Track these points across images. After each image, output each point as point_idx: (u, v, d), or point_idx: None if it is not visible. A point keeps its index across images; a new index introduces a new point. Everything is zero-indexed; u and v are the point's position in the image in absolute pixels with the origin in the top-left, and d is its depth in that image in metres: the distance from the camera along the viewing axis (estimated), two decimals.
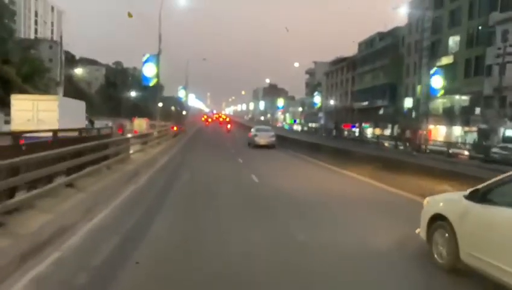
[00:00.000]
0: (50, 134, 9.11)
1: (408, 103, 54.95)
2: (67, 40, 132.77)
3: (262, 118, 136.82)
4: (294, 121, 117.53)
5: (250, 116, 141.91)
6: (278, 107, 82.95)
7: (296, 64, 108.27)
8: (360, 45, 72.95)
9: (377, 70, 64.00)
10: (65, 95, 41.88)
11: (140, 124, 31.86)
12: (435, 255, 5.44)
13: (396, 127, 56.68)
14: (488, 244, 4.62)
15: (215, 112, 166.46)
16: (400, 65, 58.09)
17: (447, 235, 5.24)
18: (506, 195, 4.67)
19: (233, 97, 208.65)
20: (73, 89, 63.23)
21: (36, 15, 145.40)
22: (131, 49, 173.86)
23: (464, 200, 5.12)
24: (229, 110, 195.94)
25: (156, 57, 29.57)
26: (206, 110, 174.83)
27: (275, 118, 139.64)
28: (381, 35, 64.25)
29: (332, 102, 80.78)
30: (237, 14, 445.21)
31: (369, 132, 65.29)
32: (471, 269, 4.84)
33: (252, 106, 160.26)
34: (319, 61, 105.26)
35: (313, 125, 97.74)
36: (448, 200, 5.73)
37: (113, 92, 72.88)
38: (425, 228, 5.71)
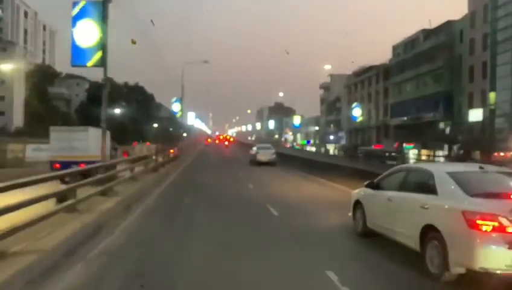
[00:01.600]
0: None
1: (475, 115, 41.84)
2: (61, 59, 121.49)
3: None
4: (307, 141, 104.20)
5: (253, 137, 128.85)
6: (294, 126, 70.11)
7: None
8: (394, 48, 60.45)
9: (422, 77, 51.20)
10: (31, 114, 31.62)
11: (142, 150, 27.48)
12: (355, 226, 8.58)
13: (456, 147, 43.43)
14: (377, 214, 7.67)
15: (217, 133, 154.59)
16: (457, 68, 45.22)
17: (361, 212, 8.27)
18: (386, 183, 7.72)
19: (237, 117, 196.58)
20: (44, 108, 50.88)
21: (26, 33, 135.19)
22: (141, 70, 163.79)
23: (367, 189, 8.23)
24: (232, 132, 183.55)
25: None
26: (208, 131, 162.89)
27: (285, 139, 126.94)
28: (427, 33, 51.64)
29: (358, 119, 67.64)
30: (240, 32, 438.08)
31: (412, 153, 51.96)
32: (373, 232, 7.75)
33: (258, 126, 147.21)
34: (335, 74, 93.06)
35: (329, 147, 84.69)
36: (361, 190, 8.57)
37: (97, 109, 59.79)
38: (351, 210, 8.77)
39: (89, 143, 17.36)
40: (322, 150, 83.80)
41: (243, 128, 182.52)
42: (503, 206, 5.28)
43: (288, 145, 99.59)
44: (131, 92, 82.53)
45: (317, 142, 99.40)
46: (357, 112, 58.72)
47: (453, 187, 5.90)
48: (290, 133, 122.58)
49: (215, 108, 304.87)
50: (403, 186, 7.02)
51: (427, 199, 6.11)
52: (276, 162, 29.86)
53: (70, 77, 74.40)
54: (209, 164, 30.66)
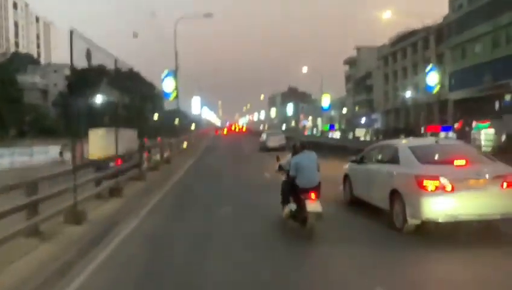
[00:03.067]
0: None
1: None
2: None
3: (284, 126, 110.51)
4: (331, 126, 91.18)
5: (266, 126, 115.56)
6: (322, 109, 57.71)
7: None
8: (452, 1, 47.00)
9: (502, 31, 37.88)
10: None
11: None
12: (344, 196, 10.09)
13: None
14: (360, 184, 9.24)
15: (228, 123, 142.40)
16: None
17: (348, 184, 9.83)
18: (366, 158, 9.28)
19: (248, 105, 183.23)
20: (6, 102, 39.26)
21: (16, 26, 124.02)
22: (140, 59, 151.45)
23: (352, 164, 9.85)
24: (243, 122, 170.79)
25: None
26: (218, 123, 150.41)
27: (303, 126, 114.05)
28: None
29: (408, 94, 54.59)
30: (246, 16, 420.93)
31: (485, 133, 39.05)
32: (358, 199, 9.29)
33: (273, 112, 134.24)
34: (363, 45, 79.78)
35: (359, 132, 71.94)
36: (349, 165, 10.07)
37: (80, 101, 48.33)
38: (341, 182, 10.22)
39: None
40: (350, 136, 71.39)
41: (255, 116, 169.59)
42: (444, 169, 6.90)
43: (305, 133, 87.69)
44: (126, 79, 70.23)
45: (343, 127, 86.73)
46: (432, 79, 42.36)
47: (410, 157, 7.45)
48: (310, 118, 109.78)
49: (224, 96, 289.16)
50: (378, 160, 8.80)
51: (393, 169, 7.75)
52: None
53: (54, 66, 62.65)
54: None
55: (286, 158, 8.21)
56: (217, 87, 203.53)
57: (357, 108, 79.30)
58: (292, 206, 7.54)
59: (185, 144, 33.25)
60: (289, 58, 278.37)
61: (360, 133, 72.15)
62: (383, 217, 7.80)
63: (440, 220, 6.64)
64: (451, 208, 6.56)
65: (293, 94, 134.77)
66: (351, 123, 79.30)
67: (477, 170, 6.86)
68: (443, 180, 6.62)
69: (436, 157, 7.52)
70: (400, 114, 61.33)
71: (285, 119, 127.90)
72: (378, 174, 8.33)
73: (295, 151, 7.75)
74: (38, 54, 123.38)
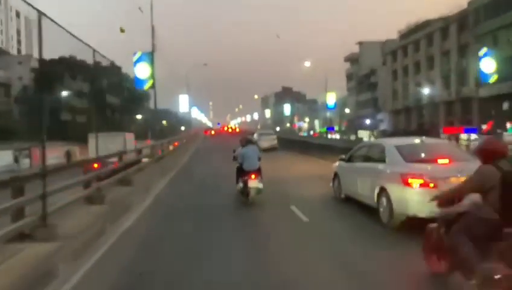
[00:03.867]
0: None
1: None
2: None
3: (277, 128, 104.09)
4: (329, 128, 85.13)
5: (258, 127, 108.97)
6: (328, 107, 51.43)
7: (307, 64, 74.40)
8: None
9: None
10: None
11: None
12: (334, 193, 10.34)
13: None
14: (348, 182, 9.49)
15: (220, 124, 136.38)
16: None
17: (337, 182, 10.11)
18: (355, 157, 9.56)
19: (240, 106, 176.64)
20: None
21: None
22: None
23: (341, 162, 10.10)
24: (234, 123, 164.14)
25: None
26: (209, 124, 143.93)
27: (298, 127, 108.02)
28: None
29: (425, 91, 48.44)
30: (236, 17, 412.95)
31: None
32: (347, 197, 9.64)
33: (268, 113, 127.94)
34: (366, 41, 73.75)
35: (363, 134, 65.82)
36: (338, 163, 10.35)
37: (49, 97, 41.83)
38: (331, 180, 10.52)
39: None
40: (352, 138, 65.19)
41: (248, 118, 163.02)
42: (428, 168, 7.20)
43: (301, 135, 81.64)
44: (106, 75, 63.28)
45: (343, 128, 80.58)
46: (488, 66, 31.79)
47: (396, 156, 7.70)
48: (307, 119, 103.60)
49: (214, 97, 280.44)
50: (366, 158, 9.02)
51: (380, 167, 8.01)
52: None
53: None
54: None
55: (237, 150, 10.76)
56: (208, 88, 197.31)
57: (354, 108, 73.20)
58: (240, 184, 10.08)
59: (170, 147, 28.09)
60: (283, 58, 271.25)
61: (364, 135, 66.02)
62: (370, 213, 8.13)
63: (424, 216, 6.54)
64: (433, 205, 5.83)
65: (287, 94, 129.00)
66: (352, 124, 73.15)
67: (458, 168, 6.97)
68: (427, 178, 6.90)
69: (421, 156, 7.80)
70: (412, 114, 55.20)
71: (280, 120, 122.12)
72: (365, 172, 8.66)
73: (242, 145, 10.65)
74: (19, 51, 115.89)
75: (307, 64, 50.93)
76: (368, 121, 68.35)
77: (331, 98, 50.91)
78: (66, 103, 47.38)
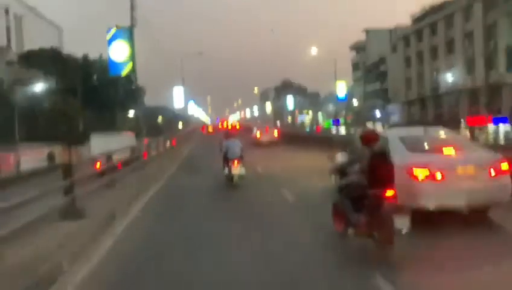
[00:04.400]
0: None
1: None
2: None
3: (278, 122, 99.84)
4: (335, 121, 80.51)
5: (258, 122, 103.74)
6: (338, 99, 46.59)
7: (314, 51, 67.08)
8: None
9: None
10: None
11: None
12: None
13: None
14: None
15: (219, 120, 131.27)
16: None
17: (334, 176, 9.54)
18: (356, 148, 8.02)
19: (239, 101, 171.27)
20: None
21: None
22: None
23: (342, 154, 9.03)
24: (233, 118, 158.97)
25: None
26: (207, 120, 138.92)
27: (301, 122, 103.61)
28: None
29: (445, 78, 43.81)
30: (233, 8, 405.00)
31: None
32: None
33: (268, 107, 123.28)
34: (374, 28, 69.00)
35: (372, 126, 61.27)
36: (338, 155, 9.30)
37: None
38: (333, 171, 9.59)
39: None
40: (359, 132, 60.65)
41: (247, 112, 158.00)
42: (433, 158, 7.02)
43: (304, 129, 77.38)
44: (99, 70, 58.66)
45: (349, 121, 75.99)
46: None
47: (400, 147, 7.34)
48: (310, 112, 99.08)
49: (212, 92, 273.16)
50: None
51: None
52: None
53: None
54: None
55: (223, 142, 12.98)
56: (206, 83, 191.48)
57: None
58: (226, 170, 12.15)
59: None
60: (282, 49, 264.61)
61: (373, 127, 61.48)
62: None
63: (430, 209, 6.59)
64: (441, 196, 6.58)
65: (288, 88, 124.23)
66: (360, 117, 68.55)
67: (465, 158, 6.99)
68: (432, 169, 6.70)
69: (426, 146, 7.63)
70: (428, 104, 50.59)
71: (280, 114, 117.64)
72: None
73: (226, 137, 13.27)
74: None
75: (314, 51, 46.27)
76: (377, 113, 63.89)
77: (341, 88, 46.22)
78: (48, 99, 42.78)
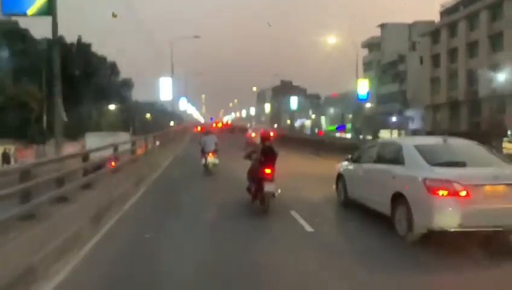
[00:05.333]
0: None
1: None
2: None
3: (275, 125, 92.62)
4: (340, 127, 73.21)
5: (253, 123, 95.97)
6: (359, 98, 39.20)
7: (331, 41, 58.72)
8: None
9: None
10: None
11: None
12: (338, 197, 9.10)
13: None
14: (356, 185, 8.21)
15: (213, 120, 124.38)
16: None
17: (342, 184, 8.83)
18: (364, 156, 8.33)
19: (235, 100, 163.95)
20: None
21: None
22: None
23: (347, 162, 8.94)
24: (228, 119, 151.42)
25: None
26: (201, 119, 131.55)
27: (302, 124, 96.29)
28: None
29: (492, 79, 36.26)
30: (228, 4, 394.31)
31: None
32: (353, 201, 8.36)
33: (267, 108, 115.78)
34: (391, 22, 61.65)
35: (385, 134, 53.90)
36: (343, 163, 9.15)
37: None
38: (334, 181, 9.22)
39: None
40: (369, 139, 53.18)
41: (243, 113, 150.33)
42: (457, 173, 5.97)
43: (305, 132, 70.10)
44: (75, 56, 50.50)
45: (357, 126, 68.49)
46: None
47: (417, 158, 6.51)
48: (313, 116, 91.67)
49: (207, 91, 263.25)
50: (377, 159, 7.67)
51: (396, 170, 6.76)
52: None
53: None
54: None
55: (201, 138, 14.87)
56: (200, 80, 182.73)
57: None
58: (203, 160, 14.11)
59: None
60: (282, 48, 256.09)
61: (387, 135, 53.99)
62: (382, 222, 7.02)
63: (451, 230, 5.74)
64: (465, 216, 5.66)
65: (287, 89, 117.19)
66: (372, 122, 61.05)
67: (494, 174, 6.00)
68: (456, 185, 5.76)
69: (447, 158, 6.61)
70: (461, 110, 43.12)
71: (278, 116, 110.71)
72: (378, 175, 7.47)
73: (204, 134, 15.16)
74: None
75: (331, 41, 38.54)
76: (394, 119, 56.46)
77: (362, 86, 38.77)
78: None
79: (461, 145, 7.26)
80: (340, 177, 9.00)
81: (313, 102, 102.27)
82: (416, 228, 6.02)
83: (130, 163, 12.87)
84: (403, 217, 6.29)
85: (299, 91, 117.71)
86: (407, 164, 6.64)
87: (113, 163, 11.50)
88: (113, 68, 59.80)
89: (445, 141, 6.94)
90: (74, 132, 43.67)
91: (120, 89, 62.23)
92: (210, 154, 13.92)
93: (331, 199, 9.19)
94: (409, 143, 7.14)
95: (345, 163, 9.02)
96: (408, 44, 58.45)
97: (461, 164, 6.29)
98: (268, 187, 8.00)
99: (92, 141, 19.43)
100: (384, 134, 53.77)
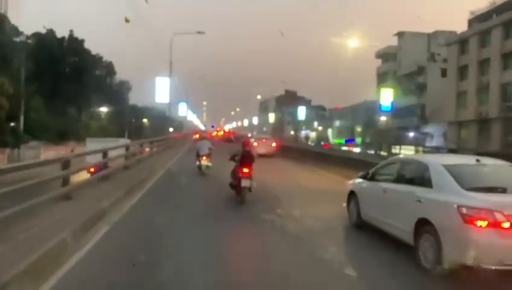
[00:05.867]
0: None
1: None
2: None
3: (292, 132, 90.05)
4: (348, 140, 69.41)
5: (255, 133, 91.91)
6: (381, 109, 34.90)
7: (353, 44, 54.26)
8: None
9: None
10: None
11: None
12: (350, 217, 8.10)
13: None
14: (371, 206, 7.27)
15: (214, 127, 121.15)
16: None
17: (354, 203, 7.87)
18: (381, 174, 7.39)
19: (237, 109, 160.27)
20: None
21: None
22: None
23: (361, 180, 7.93)
24: (229, 127, 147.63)
25: None
26: (202, 126, 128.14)
27: (305, 136, 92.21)
28: None
29: None
30: (236, 14, 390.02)
31: None
32: (367, 223, 7.34)
33: (272, 117, 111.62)
34: (409, 31, 57.58)
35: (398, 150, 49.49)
36: (355, 180, 8.25)
37: None
38: (346, 200, 8.31)
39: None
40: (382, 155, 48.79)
41: (245, 122, 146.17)
42: (498, 201, 5.13)
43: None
44: (66, 51, 46.24)
45: (368, 140, 64.12)
46: None
47: (448, 180, 5.64)
48: (319, 127, 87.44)
49: (208, 98, 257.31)
50: (398, 178, 6.81)
51: (422, 192, 5.88)
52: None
53: None
54: None
55: (197, 143, 17.34)
56: (202, 85, 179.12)
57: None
58: (197, 163, 15.73)
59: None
60: (288, 58, 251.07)
61: (407, 152, 49.54)
62: (402, 251, 6.02)
63: (491, 267, 4.84)
64: (508, 252, 4.82)
65: (291, 99, 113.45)
66: (384, 137, 56.70)
67: None
68: (498, 215, 4.88)
69: (483, 181, 5.68)
70: (492, 128, 38.73)
71: (281, 126, 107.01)
72: (399, 196, 6.48)
73: (199, 140, 17.99)
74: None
75: (353, 43, 34.31)
76: (411, 134, 52.06)
77: (386, 96, 34.52)
78: None
79: (497, 167, 6.35)
80: (352, 195, 8.20)
81: (318, 113, 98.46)
82: (446, 262, 5.09)
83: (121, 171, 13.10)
84: (429, 247, 5.42)
85: (303, 102, 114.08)
86: (436, 187, 5.75)
87: (91, 169, 11.79)
88: (109, 68, 55.51)
89: (478, 161, 6.11)
90: (60, 135, 39.27)
91: (116, 91, 57.88)
92: (204, 157, 15.52)
93: (341, 218, 8.34)
94: (436, 162, 6.19)
95: (359, 180, 8.17)
96: (426, 55, 54.49)
97: (500, 190, 5.39)
98: (244, 183, 9.82)
99: (93, 147, 19.29)
100: (405, 151, 49.43)
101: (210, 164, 15.27)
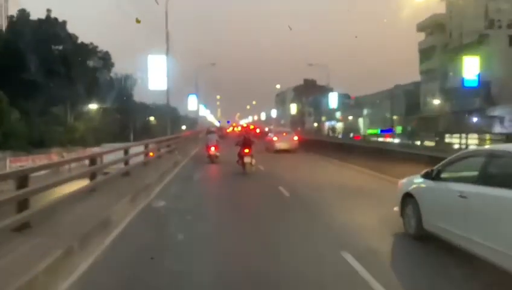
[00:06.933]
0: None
1: None
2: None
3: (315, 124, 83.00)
4: (385, 130, 60.35)
5: (272, 127, 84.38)
6: (464, 85, 25.99)
7: None
8: None
9: None
10: None
11: None
12: (406, 226, 6.62)
13: None
14: (440, 214, 5.70)
15: (229, 123, 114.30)
16: None
17: (413, 209, 6.36)
18: (454, 173, 5.77)
19: (254, 102, 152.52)
20: None
21: None
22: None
23: (422, 179, 6.33)
24: (244, 122, 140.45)
25: None
26: (216, 122, 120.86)
27: (332, 127, 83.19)
28: None
29: None
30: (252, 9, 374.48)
31: None
32: (432, 235, 5.88)
33: (294, 108, 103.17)
34: None
35: (454, 140, 40.00)
36: (413, 179, 6.75)
37: None
38: (399, 204, 6.82)
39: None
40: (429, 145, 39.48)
41: (262, 116, 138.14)
42: None
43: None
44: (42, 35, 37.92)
45: (410, 128, 54.80)
46: None
47: None
48: (350, 117, 78.16)
49: (222, 92, 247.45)
50: (483, 178, 5.04)
51: None
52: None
53: None
54: None
55: (207, 136, 21.16)
56: (216, 81, 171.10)
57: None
58: (207, 153, 19.35)
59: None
60: (300, 51, 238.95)
61: (456, 141, 40.01)
62: (486, 270, 4.66)
63: None
64: None
65: (310, 89, 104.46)
66: (432, 124, 47.36)
67: None
68: None
69: None
70: None
71: (301, 118, 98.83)
72: (487, 204, 4.77)
73: (208, 133, 23.02)
74: None
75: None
76: (474, 120, 42.49)
77: (471, 67, 25.38)
78: None
79: None
80: (407, 198, 6.60)
81: (345, 102, 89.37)
82: None
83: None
84: None
85: (324, 91, 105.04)
86: None
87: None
88: (105, 59, 47.07)
89: None
90: (38, 143, 31.24)
91: (116, 87, 49.68)
92: (212, 147, 19.26)
93: (389, 226, 6.97)
94: None
95: (418, 180, 6.49)
96: (484, 23, 44.71)
97: None
98: (246, 159, 15.61)
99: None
100: (454, 139, 39.85)
101: (218, 154, 19.47)
